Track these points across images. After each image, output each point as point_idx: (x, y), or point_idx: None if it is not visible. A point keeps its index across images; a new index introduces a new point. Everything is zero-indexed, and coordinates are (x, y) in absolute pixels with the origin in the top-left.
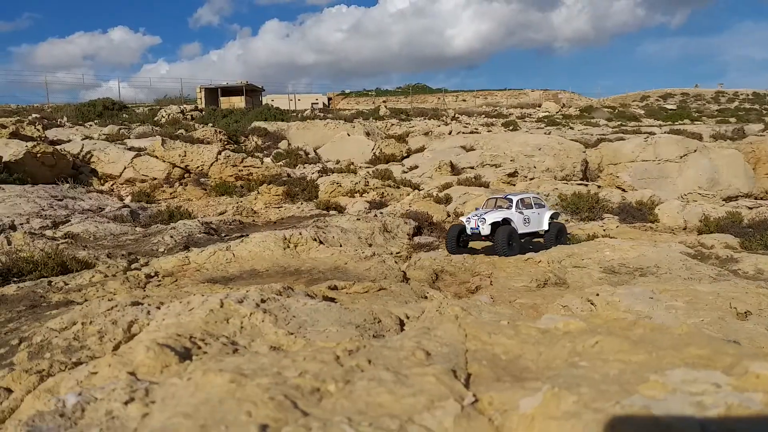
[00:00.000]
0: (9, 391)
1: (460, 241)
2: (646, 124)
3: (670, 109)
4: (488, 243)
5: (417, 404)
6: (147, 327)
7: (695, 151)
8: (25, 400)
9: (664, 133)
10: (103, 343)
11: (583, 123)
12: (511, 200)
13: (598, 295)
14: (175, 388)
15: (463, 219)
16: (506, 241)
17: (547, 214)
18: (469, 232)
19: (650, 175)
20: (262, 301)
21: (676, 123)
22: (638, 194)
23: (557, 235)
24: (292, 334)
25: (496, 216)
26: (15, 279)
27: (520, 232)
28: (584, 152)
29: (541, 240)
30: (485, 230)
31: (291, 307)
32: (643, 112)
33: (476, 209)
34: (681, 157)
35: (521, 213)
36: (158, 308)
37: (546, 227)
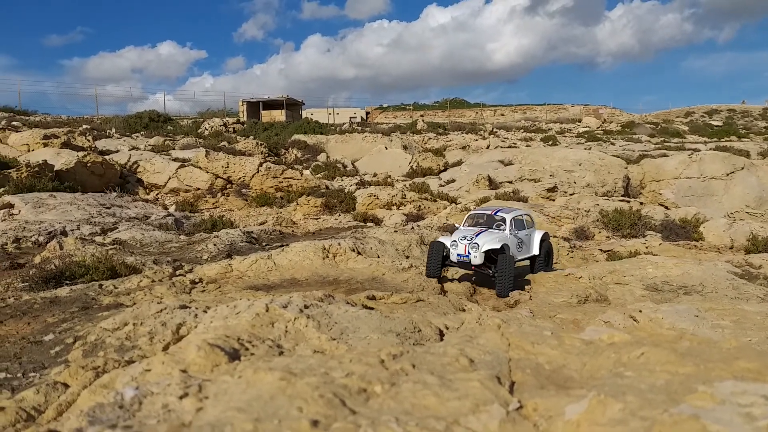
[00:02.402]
0: (66, 386)
1: (444, 264)
2: (690, 140)
3: (716, 126)
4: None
5: (462, 407)
6: (195, 329)
7: (742, 168)
8: (81, 395)
9: (710, 149)
10: (153, 343)
11: (624, 139)
12: (503, 220)
13: (641, 311)
14: (227, 385)
15: (445, 240)
16: (512, 277)
17: (538, 236)
18: (454, 259)
19: (694, 193)
20: (305, 307)
21: (722, 140)
22: (682, 211)
23: (546, 258)
24: (334, 339)
25: (492, 241)
26: (68, 282)
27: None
28: (626, 168)
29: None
30: (477, 259)
31: (333, 314)
32: (687, 128)
33: (456, 226)
34: (727, 175)
35: (515, 236)
36: (205, 312)
37: (537, 251)
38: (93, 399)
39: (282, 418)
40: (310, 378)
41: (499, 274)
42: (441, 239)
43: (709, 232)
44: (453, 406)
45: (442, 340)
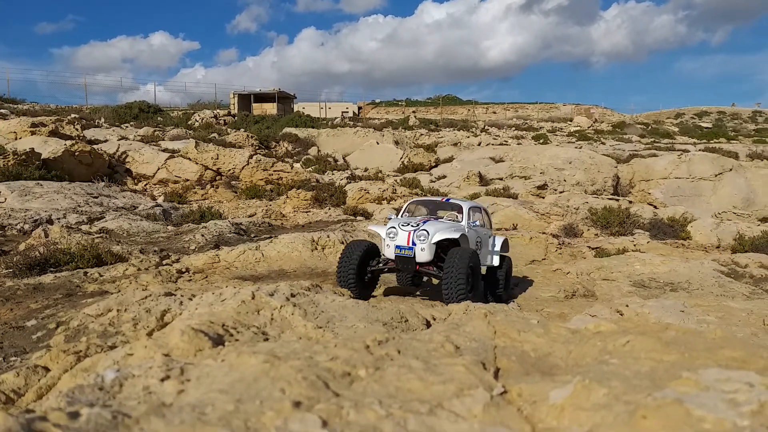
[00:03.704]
0: (46, 369)
1: (366, 270)
2: (680, 141)
3: (706, 128)
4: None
5: (446, 391)
6: (180, 316)
7: (731, 169)
8: (62, 378)
9: (699, 150)
10: (137, 329)
11: (615, 138)
12: (460, 208)
13: (627, 306)
14: (210, 368)
15: (375, 228)
16: (463, 278)
17: (499, 241)
18: (390, 254)
19: (683, 193)
20: (292, 295)
21: (712, 141)
22: (670, 210)
23: (507, 275)
24: (320, 327)
25: (447, 230)
26: (52, 269)
27: None
28: (616, 167)
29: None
30: (425, 254)
31: (320, 303)
32: (677, 129)
33: (391, 216)
34: (716, 176)
35: (475, 231)
36: (190, 299)
37: (497, 261)
38: (74, 382)
39: (264, 399)
40: (294, 361)
41: (447, 272)
42: (372, 227)
43: (696, 232)
44: (437, 390)
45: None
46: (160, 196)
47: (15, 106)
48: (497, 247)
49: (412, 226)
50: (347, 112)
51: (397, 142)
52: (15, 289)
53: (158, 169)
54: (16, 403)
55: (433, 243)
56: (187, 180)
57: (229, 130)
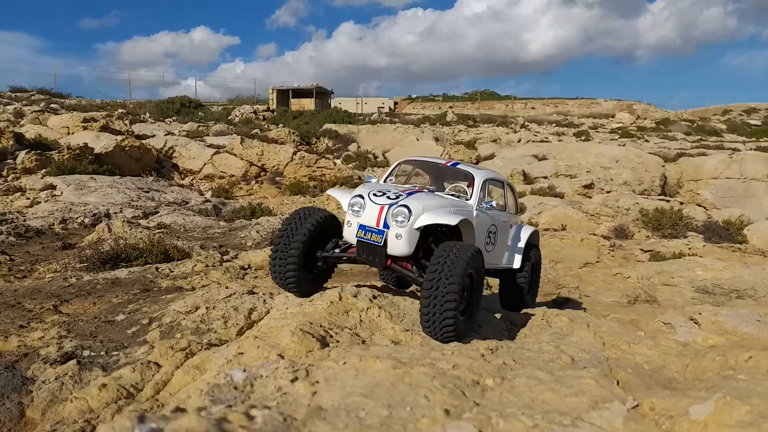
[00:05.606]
0: (158, 365)
1: (315, 259)
2: (728, 139)
3: (755, 125)
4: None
5: (581, 404)
6: (268, 314)
7: None
8: (175, 374)
9: (750, 149)
10: (227, 327)
11: (659, 136)
12: (471, 178)
13: (700, 314)
14: (333, 371)
15: (335, 194)
16: (461, 288)
17: (525, 234)
18: (351, 238)
19: (734, 194)
20: (374, 297)
21: (761, 139)
22: (725, 213)
23: (532, 280)
24: (408, 330)
25: (441, 211)
26: (123, 264)
27: None
28: (663, 167)
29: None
30: (401, 244)
31: (400, 305)
32: (724, 127)
33: (370, 179)
34: None
35: (488, 216)
36: (271, 297)
37: (518, 263)
38: (190, 379)
39: (413, 406)
40: (421, 368)
41: (431, 280)
42: (332, 191)
43: (753, 235)
44: (572, 402)
45: (509, 334)
46: (207, 191)
47: (63, 101)
48: (522, 242)
49: (388, 197)
50: (383, 107)
51: (437, 139)
52: (94, 284)
53: (204, 164)
54: (135, 397)
55: (416, 229)
56: (233, 176)
57: (269, 125)
